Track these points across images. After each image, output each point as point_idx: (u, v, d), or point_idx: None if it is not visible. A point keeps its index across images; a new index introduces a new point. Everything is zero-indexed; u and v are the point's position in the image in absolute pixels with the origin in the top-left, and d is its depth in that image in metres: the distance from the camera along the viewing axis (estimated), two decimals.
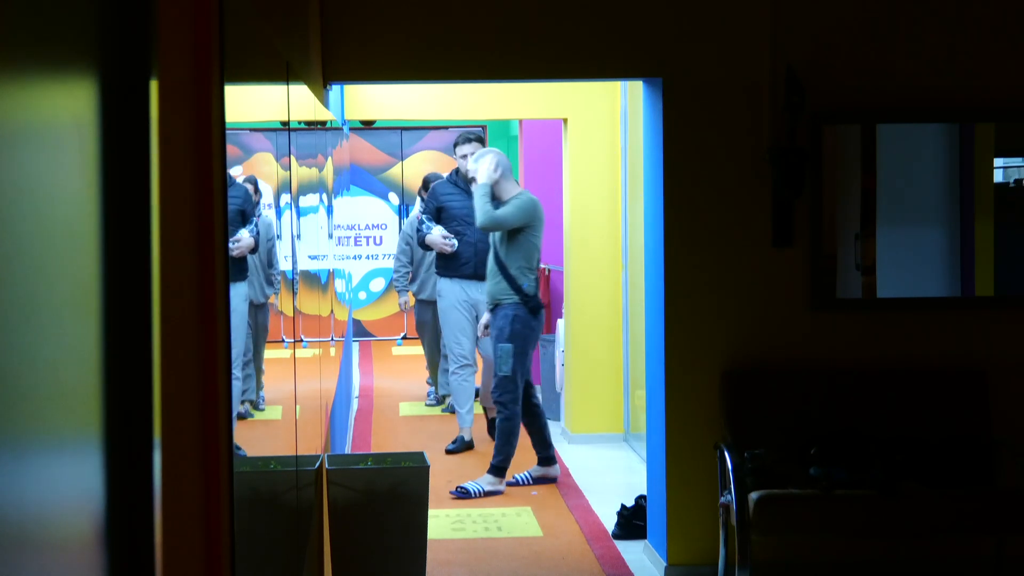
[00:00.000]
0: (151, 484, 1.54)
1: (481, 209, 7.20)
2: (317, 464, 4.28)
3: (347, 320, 8.88)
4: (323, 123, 4.78)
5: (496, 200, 7.29)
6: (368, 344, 13.87)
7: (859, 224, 5.82)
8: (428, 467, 5.17)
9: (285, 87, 3.06)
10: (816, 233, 5.67)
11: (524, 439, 7.56)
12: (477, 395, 8.72)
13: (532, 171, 10.42)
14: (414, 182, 13.37)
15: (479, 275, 8.04)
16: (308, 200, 3.92)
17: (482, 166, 7.32)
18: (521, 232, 7.23)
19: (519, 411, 7.27)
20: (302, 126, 3.66)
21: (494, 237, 7.36)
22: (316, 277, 4.29)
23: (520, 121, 10.55)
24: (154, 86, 1.56)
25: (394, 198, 14.20)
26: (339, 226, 8.65)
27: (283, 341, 2.96)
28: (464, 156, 8.10)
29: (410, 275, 9.74)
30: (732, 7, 5.66)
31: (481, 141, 8.20)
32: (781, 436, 5.44)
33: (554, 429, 9.17)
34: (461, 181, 8.26)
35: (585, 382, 8.71)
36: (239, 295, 2.21)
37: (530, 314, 7.26)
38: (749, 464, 5.19)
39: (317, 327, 4.23)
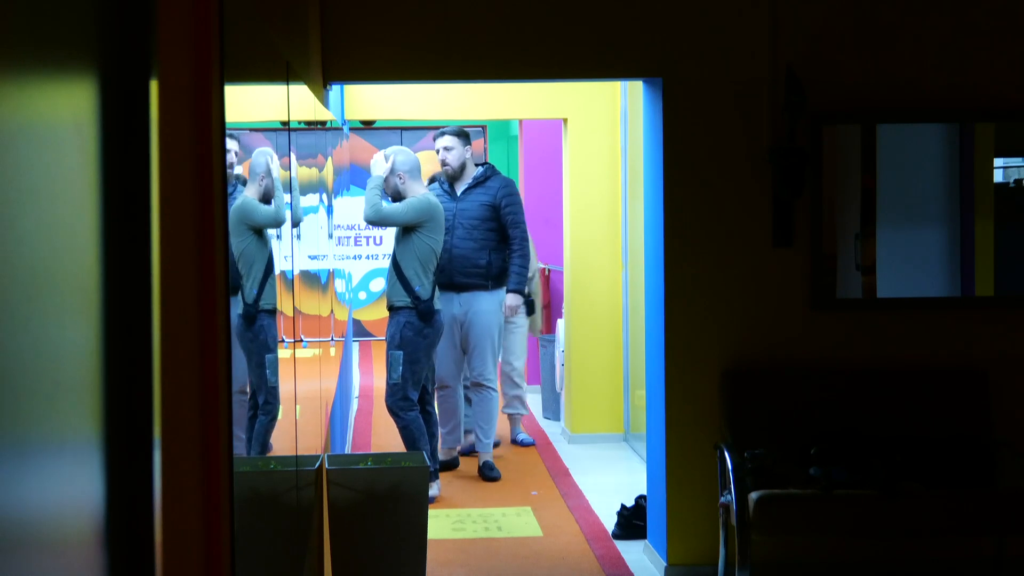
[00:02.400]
0: (151, 484, 1.53)
1: (369, 202, 6.97)
2: (317, 464, 4.28)
3: (347, 320, 8.87)
4: (323, 123, 4.77)
5: (399, 200, 7.06)
6: (368, 344, 13.84)
7: (859, 224, 5.81)
8: (428, 467, 5.17)
9: (285, 87, 3.06)
10: (816, 233, 5.66)
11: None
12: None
13: (532, 171, 10.41)
14: None
15: (456, 284, 7.66)
16: (308, 200, 3.92)
17: (380, 159, 7.11)
18: (415, 232, 6.99)
19: (414, 416, 7.08)
20: (302, 126, 3.66)
21: (397, 238, 7.11)
22: (316, 277, 4.29)
23: (520, 121, 10.55)
24: (154, 86, 1.56)
25: None
26: (339, 226, 8.64)
27: (283, 341, 2.96)
28: (440, 150, 7.78)
29: None
30: (732, 7, 5.66)
31: (463, 135, 7.80)
32: (781, 436, 5.44)
33: (554, 429, 9.18)
34: (447, 184, 7.78)
35: (585, 382, 8.71)
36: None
37: (421, 320, 7.05)
38: (749, 464, 5.19)
39: (317, 327, 4.23)
